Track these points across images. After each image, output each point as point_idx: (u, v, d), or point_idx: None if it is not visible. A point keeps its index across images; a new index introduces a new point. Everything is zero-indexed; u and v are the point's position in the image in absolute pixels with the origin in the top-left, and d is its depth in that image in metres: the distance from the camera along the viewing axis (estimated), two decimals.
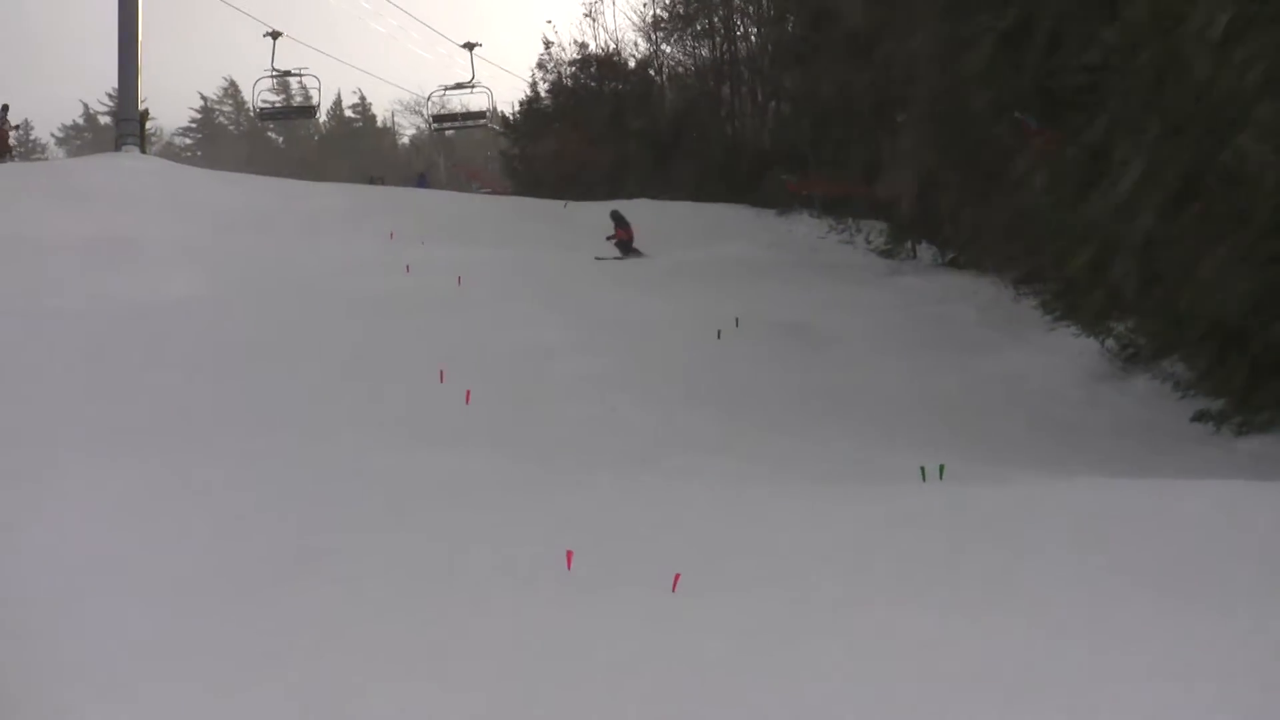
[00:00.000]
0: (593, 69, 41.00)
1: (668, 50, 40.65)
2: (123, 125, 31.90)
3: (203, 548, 7.33)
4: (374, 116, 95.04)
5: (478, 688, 5.17)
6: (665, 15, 39.60)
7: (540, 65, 42.73)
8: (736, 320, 17.33)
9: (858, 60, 23.12)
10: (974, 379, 15.92)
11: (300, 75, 39.79)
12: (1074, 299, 16.67)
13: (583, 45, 41.48)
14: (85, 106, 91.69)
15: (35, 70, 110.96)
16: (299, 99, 62.44)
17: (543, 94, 42.85)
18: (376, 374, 13.54)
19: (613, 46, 41.56)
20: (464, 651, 5.60)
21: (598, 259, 23.74)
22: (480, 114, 41.71)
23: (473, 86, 39.82)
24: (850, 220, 27.76)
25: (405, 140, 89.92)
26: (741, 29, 38.68)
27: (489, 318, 16.79)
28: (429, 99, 45.44)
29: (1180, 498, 7.72)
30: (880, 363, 16.52)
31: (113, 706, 5.06)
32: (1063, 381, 15.99)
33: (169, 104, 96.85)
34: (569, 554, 6.79)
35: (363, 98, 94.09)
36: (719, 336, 16.82)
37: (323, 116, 79.71)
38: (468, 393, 12.37)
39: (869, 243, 26.53)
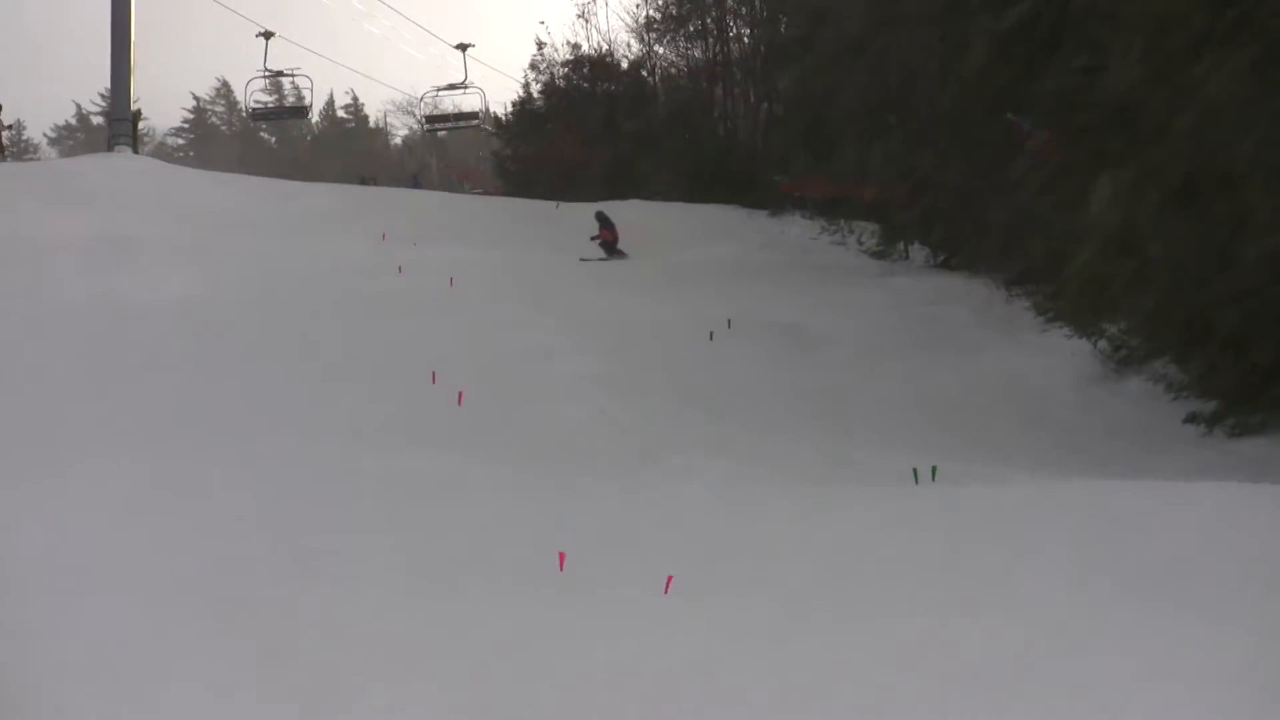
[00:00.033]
0: (585, 70, 40.88)
1: (660, 51, 40.64)
2: (115, 125, 31.83)
3: (202, 547, 7.34)
4: (366, 117, 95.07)
5: (475, 688, 5.20)
6: (658, 16, 39.57)
7: (533, 66, 42.64)
8: (729, 321, 17.35)
9: (851, 61, 23.11)
10: (967, 380, 15.94)
11: (293, 75, 39.69)
12: (1067, 301, 16.66)
13: (575, 46, 41.40)
14: (78, 106, 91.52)
15: (27, 70, 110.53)
16: (291, 99, 62.03)
17: (535, 95, 42.77)
18: (369, 375, 13.53)
19: (605, 47, 41.47)
20: (461, 652, 5.62)
21: (582, 260, 23.74)
22: (473, 115, 41.68)
23: (465, 87, 39.85)
24: (842, 221, 27.73)
25: (398, 141, 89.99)
26: (734, 30, 38.72)
27: (481, 319, 16.78)
28: (421, 99, 45.73)
29: (1176, 500, 7.74)
30: (873, 364, 16.53)
31: (113, 706, 5.08)
32: (1056, 383, 16.01)
33: (162, 104, 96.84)
34: (561, 555, 6.81)
35: (355, 98, 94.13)
36: (711, 338, 16.84)
37: (315, 117, 79.30)
38: (460, 394, 12.38)
39: (861, 244, 26.53)
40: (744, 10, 37.78)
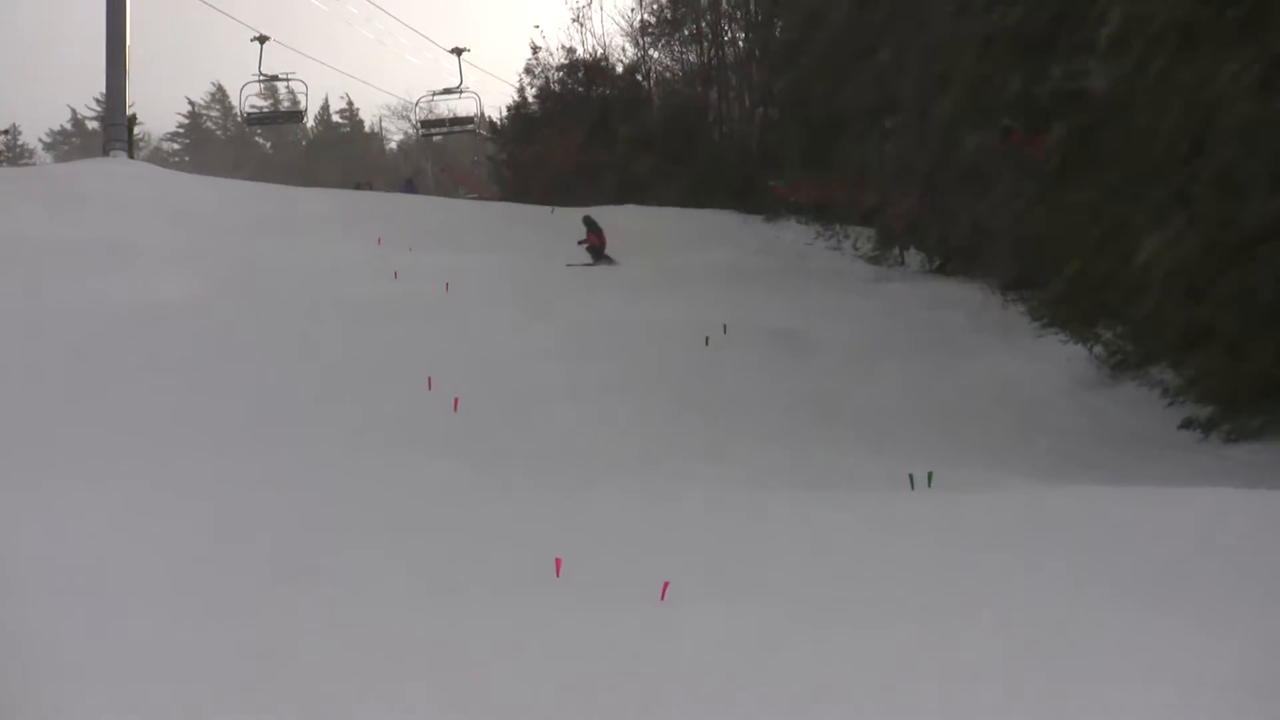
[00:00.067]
0: (580, 74, 40.93)
1: (655, 55, 40.75)
2: (111, 130, 31.91)
3: (201, 549, 7.35)
4: (362, 121, 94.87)
5: (473, 692, 5.20)
6: (653, 20, 39.68)
7: (528, 70, 42.67)
8: (725, 326, 17.37)
9: (847, 65, 23.14)
10: (963, 386, 15.96)
11: (288, 80, 39.88)
12: (1062, 306, 16.69)
13: (570, 50, 41.44)
14: (73, 111, 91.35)
15: (22, 75, 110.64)
16: (286, 104, 62.04)
17: (530, 99, 42.81)
18: (366, 380, 13.56)
19: (600, 51, 41.54)
20: (458, 655, 5.62)
21: (569, 265, 23.74)
22: (468, 119, 41.77)
23: (461, 92, 39.95)
24: (838, 226, 27.81)
25: (393, 145, 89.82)
26: (729, 34, 38.83)
27: (477, 324, 16.82)
28: (417, 104, 45.44)
29: (1171, 505, 7.78)
30: (869, 369, 16.55)
31: (113, 706, 5.08)
32: (1052, 388, 16.05)
33: (157, 109, 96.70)
34: (558, 561, 6.83)
35: (350, 103, 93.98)
36: (707, 343, 16.85)
37: (310, 121, 79.62)
38: (456, 400, 12.40)
39: (857, 249, 26.59)
40: (739, 14, 37.87)
